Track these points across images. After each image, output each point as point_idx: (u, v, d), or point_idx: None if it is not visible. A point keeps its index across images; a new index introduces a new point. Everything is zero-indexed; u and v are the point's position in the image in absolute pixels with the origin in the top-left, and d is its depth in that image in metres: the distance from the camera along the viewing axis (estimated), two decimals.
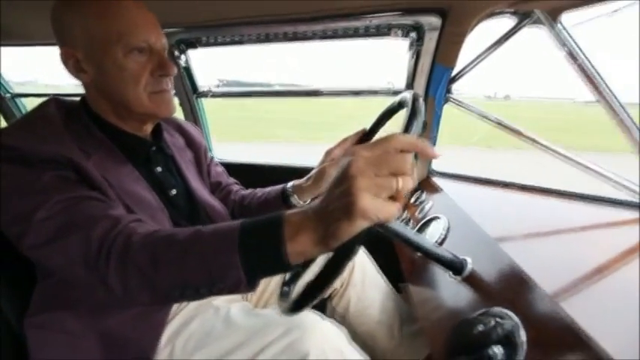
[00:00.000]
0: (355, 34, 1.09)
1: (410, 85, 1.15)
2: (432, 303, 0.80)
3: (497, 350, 0.54)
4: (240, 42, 1.18)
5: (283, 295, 0.70)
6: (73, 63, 0.65)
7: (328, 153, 0.83)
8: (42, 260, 0.56)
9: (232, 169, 1.12)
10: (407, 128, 0.47)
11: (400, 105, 0.72)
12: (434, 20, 0.93)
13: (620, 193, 0.92)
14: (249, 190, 1.00)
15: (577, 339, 0.43)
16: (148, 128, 0.75)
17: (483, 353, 0.55)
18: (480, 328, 0.58)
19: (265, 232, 0.43)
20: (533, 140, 0.99)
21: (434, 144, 1.23)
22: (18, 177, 0.54)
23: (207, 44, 1.24)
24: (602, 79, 0.84)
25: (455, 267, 0.73)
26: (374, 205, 0.35)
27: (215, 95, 1.44)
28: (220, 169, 1.04)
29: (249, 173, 1.19)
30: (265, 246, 0.42)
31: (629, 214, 0.87)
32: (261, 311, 0.81)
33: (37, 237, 0.52)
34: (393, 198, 0.37)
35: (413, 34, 1.01)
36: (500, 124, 1.05)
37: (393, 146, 0.36)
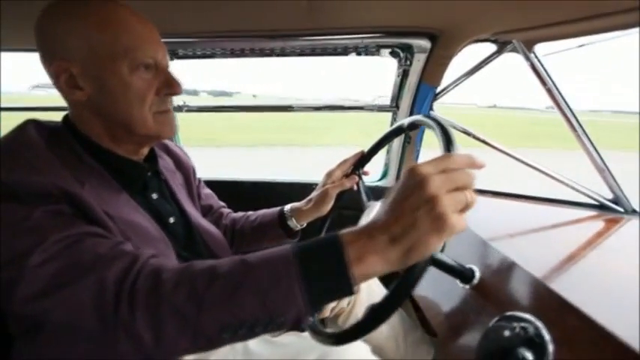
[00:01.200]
0: (344, 52, 1.12)
1: (395, 101, 1.21)
2: (443, 311, 0.84)
3: (527, 352, 0.59)
4: (224, 55, 1.13)
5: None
6: (65, 79, 0.56)
7: (329, 175, 0.85)
8: (38, 315, 0.42)
9: (212, 186, 1.06)
10: (448, 148, 0.50)
11: (401, 129, 0.76)
12: (424, 43, 1.00)
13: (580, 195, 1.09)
14: (241, 214, 0.97)
15: (598, 333, 0.50)
16: (144, 151, 0.68)
17: (513, 357, 0.60)
18: (507, 333, 0.63)
19: (326, 257, 0.40)
20: (495, 147, 1.12)
21: (417, 157, 1.30)
22: (4, 215, 0.45)
23: (186, 57, 1.17)
24: (563, 98, 0.98)
25: (464, 276, 0.78)
26: (457, 220, 0.37)
27: (190, 110, 1.36)
28: (209, 191, 0.99)
29: (229, 190, 1.13)
30: (328, 270, 0.39)
31: (588, 212, 1.04)
32: (277, 339, 0.78)
33: (33, 286, 0.42)
34: (461, 210, 0.39)
35: (402, 55, 1.07)
36: (465, 132, 1.15)
37: (458, 164, 0.39)
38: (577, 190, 1.07)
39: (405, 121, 0.74)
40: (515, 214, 1.07)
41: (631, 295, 0.59)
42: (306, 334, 0.75)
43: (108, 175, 0.60)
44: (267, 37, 1.03)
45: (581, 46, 0.84)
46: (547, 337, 0.59)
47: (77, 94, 0.57)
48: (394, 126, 0.78)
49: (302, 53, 1.10)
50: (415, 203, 0.38)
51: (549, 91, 0.96)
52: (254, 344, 0.79)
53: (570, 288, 0.60)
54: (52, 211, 0.46)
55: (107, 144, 0.62)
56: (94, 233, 0.48)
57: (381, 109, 1.28)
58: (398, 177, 1.03)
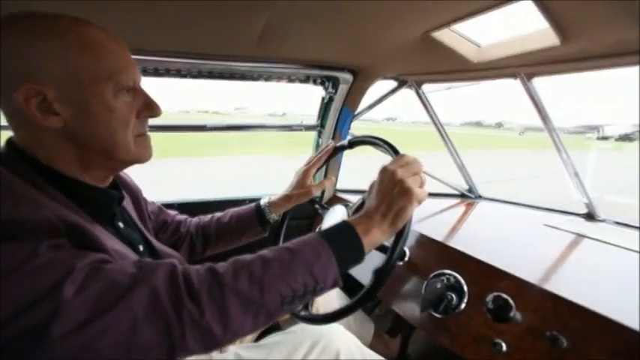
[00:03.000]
0: (279, 78, 1.28)
1: (322, 122, 1.43)
2: (388, 286, 1.09)
3: (453, 294, 0.87)
4: (166, 74, 1.12)
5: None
6: (37, 103, 0.50)
7: (307, 172, 0.93)
8: (86, 345, 0.40)
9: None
10: (397, 152, 0.74)
11: (344, 147, 0.96)
12: (347, 76, 1.26)
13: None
14: (206, 217, 0.96)
15: (485, 266, 0.83)
16: (111, 178, 0.65)
17: (443, 299, 0.87)
18: (438, 285, 0.91)
19: (344, 234, 0.56)
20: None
21: (339, 168, 1.55)
22: (4, 256, 0.40)
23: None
24: (436, 116, 1.41)
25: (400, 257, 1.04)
26: (420, 192, 0.60)
27: None
28: (155, 206, 0.97)
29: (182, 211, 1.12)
30: (348, 243, 0.55)
31: (454, 200, 1.53)
32: (264, 342, 0.86)
33: (75, 317, 0.40)
34: (420, 186, 0.62)
35: (328, 84, 1.31)
36: None
37: (409, 160, 0.63)
38: (447, 184, 1.53)
39: (349, 139, 0.95)
40: None
41: (491, 239, 1.03)
42: (294, 331, 0.86)
43: (74, 206, 0.54)
44: (221, 60, 1.09)
45: (448, 88, 1.26)
46: (462, 281, 0.88)
47: (51, 119, 0.51)
48: (341, 142, 0.97)
49: (247, 77, 1.21)
50: (390, 187, 0.59)
51: (429, 113, 1.37)
52: (242, 349, 0.84)
53: (460, 244, 0.95)
54: (56, 245, 0.44)
55: (73, 172, 0.56)
56: (107, 260, 0.47)
57: (307, 128, 1.48)
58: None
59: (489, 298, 0.79)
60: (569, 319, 0.67)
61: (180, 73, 1.14)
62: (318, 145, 1.52)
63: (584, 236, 1.12)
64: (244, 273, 0.48)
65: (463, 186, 1.62)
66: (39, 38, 0.49)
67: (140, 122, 0.60)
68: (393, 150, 0.77)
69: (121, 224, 0.65)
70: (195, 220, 0.96)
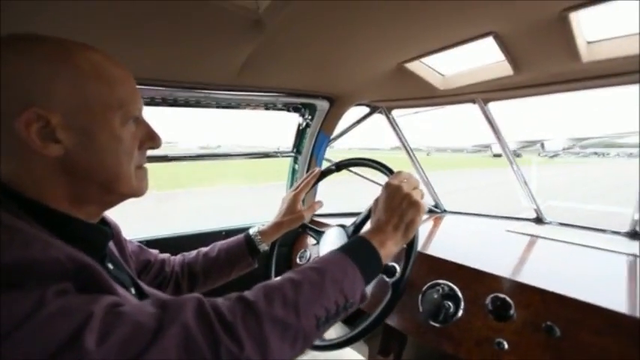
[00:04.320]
0: (256, 106, 1.29)
1: (298, 147, 1.46)
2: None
3: (449, 302, 0.92)
4: (159, 103, 1.08)
5: None
6: (38, 129, 0.45)
7: (296, 197, 0.94)
8: None
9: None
10: (391, 170, 0.80)
11: (331, 170, 1.00)
12: (324, 103, 1.32)
13: None
14: (191, 254, 0.90)
15: (473, 271, 0.90)
16: (101, 215, 0.59)
17: (441, 307, 0.92)
18: (435, 294, 0.95)
19: (364, 249, 0.58)
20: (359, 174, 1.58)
21: (315, 191, 1.57)
22: (5, 309, 0.35)
23: None
24: (406, 140, 1.53)
25: (388, 271, 1.07)
26: (423, 203, 0.65)
27: None
28: (135, 245, 0.89)
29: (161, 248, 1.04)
30: (369, 257, 0.58)
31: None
32: None
33: None
34: (422, 198, 0.68)
35: (304, 111, 1.35)
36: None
37: (407, 175, 0.70)
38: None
39: (337, 162, 0.99)
40: None
41: (465, 247, 1.14)
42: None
43: (64, 245, 0.46)
44: (200, 89, 1.08)
45: (416, 112, 1.39)
46: (456, 288, 0.94)
47: (51, 147, 0.46)
48: (328, 166, 1.01)
49: (224, 106, 1.20)
50: (399, 201, 0.65)
51: (398, 136, 1.48)
52: None
53: (441, 252, 1.02)
54: (64, 290, 0.39)
55: (63, 207, 0.50)
56: (120, 302, 0.42)
57: (283, 154, 1.49)
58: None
59: (488, 300, 0.85)
60: (557, 309, 0.76)
61: (154, 101, 1.10)
62: (294, 171, 1.53)
63: (538, 237, 1.28)
64: (277, 297, 0.46)
65: (430, 202, 1.75)
66: (49, 61, 0.46)
67: (141, 154, 0.57)
68: (386, 168, 0.82)
69: (110, 265, 0.59)
70: (179, 257, 0.89)
